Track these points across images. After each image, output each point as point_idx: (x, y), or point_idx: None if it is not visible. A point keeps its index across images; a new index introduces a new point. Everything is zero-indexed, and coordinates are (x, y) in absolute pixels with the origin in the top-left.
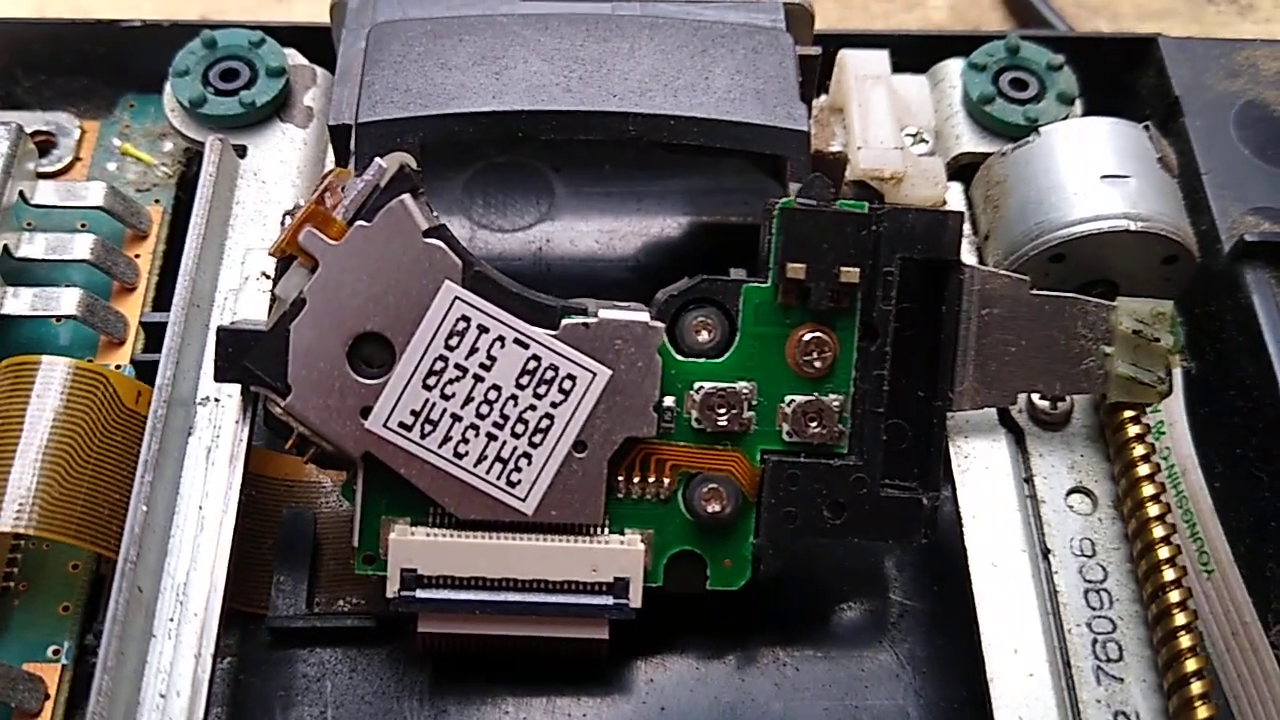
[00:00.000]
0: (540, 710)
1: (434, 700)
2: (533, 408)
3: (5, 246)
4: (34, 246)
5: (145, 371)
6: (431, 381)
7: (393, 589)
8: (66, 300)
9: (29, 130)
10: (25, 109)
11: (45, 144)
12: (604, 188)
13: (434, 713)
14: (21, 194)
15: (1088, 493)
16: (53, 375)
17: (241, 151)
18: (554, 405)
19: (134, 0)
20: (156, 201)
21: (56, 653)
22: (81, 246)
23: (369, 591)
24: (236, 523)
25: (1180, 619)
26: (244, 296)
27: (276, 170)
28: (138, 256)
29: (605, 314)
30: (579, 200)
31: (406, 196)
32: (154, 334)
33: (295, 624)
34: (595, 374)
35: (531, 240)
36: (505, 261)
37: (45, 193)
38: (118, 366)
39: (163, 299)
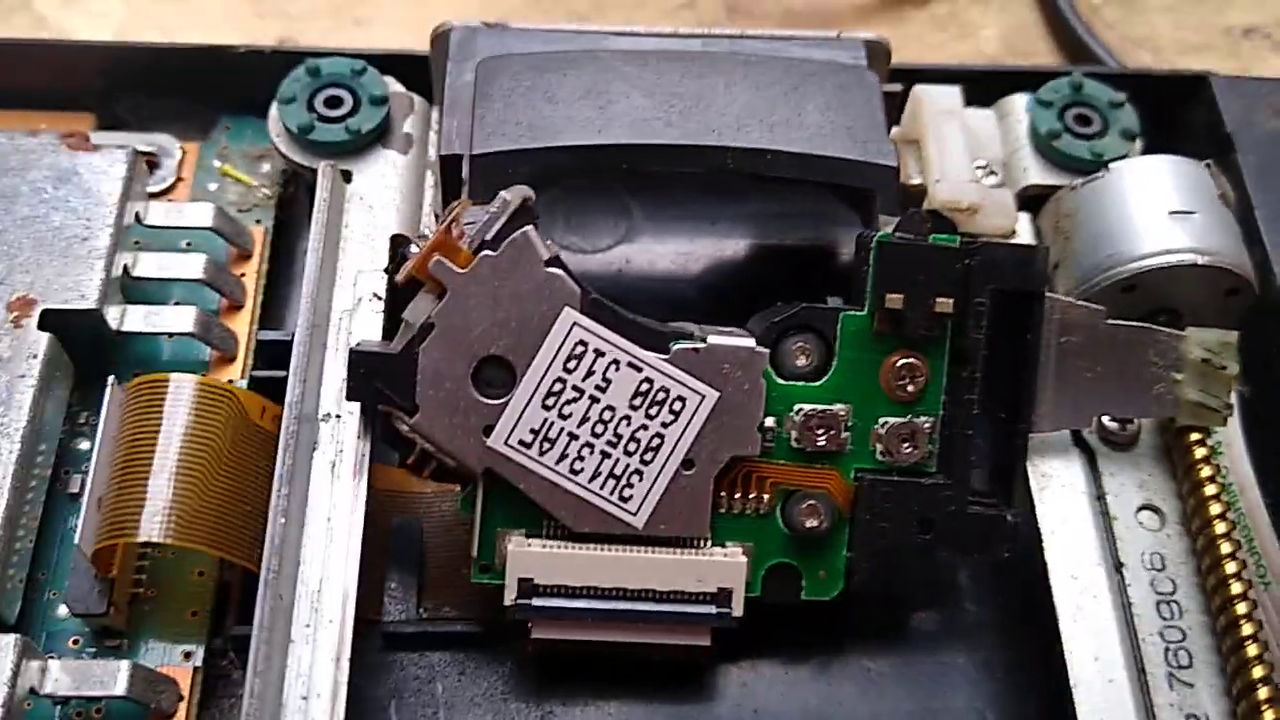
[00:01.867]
0: (641, 712)
1: (540, 701)
2: (644, 427)
3: (125, 266)
4: (146, 265)
5: (259, 387)
6: (550, 402)
7: (510, 597)
8: (182, 318)
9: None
10: (125, 129)
11: (150, 164)
12: (678, 211)
13: (541, 713)
14: (137, 215)
15: (1156, 509)
16: (182, 392)
17: (347, 177)
18: (664, 425)
19: (211, 22)
20: (258, 222)
21: (188, 656)
22: (194, 266)
23: (474, 598)
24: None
25: (1247, 629)
26: (358, 316)
27: (381, 195)
28: (243, 275)
29: (714, 340)
30: (655, 223)
31: (529, 228)
32: (266, 351)
33: (407, 629)
34: (704, 396)
35: (611, 261)
36: (586, 281)
37: (156, 213)
38: (230, 381)
39: (269, 316)
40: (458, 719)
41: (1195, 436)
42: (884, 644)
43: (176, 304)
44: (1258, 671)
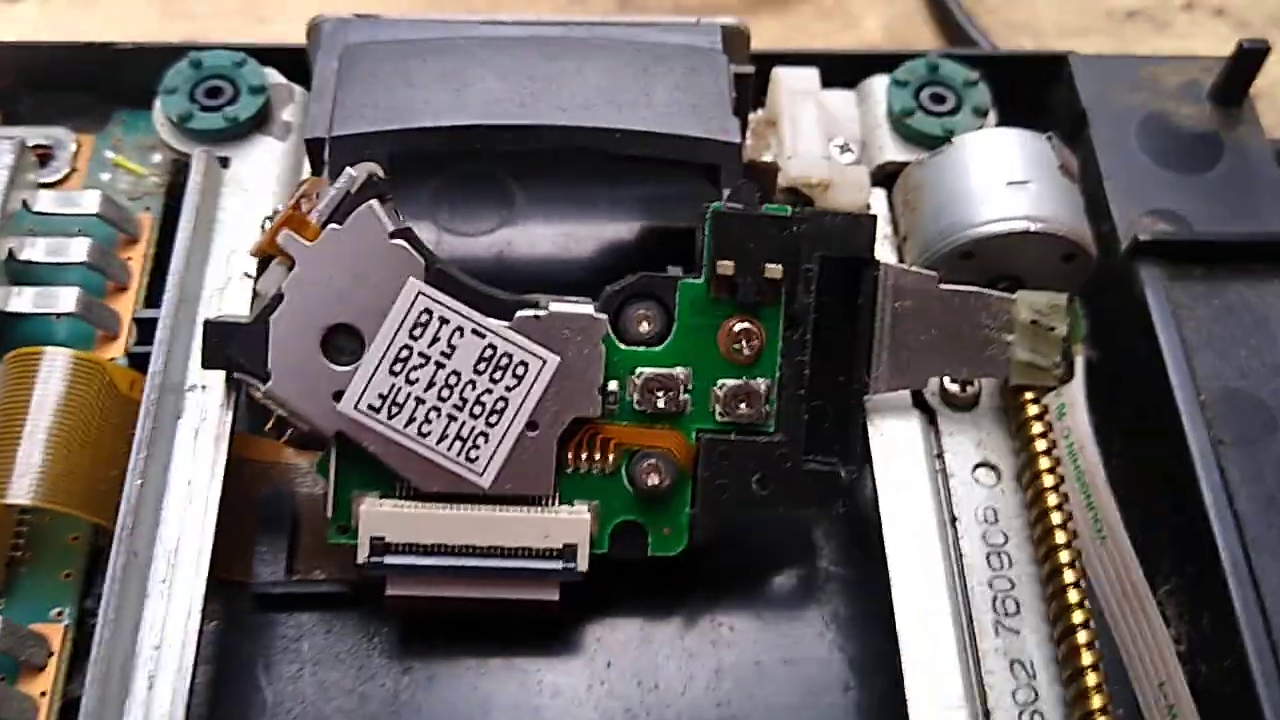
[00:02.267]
0: (500, 666)
1: (402, 657)
2: (489, 391)
3: (10, 250)
4: (35, 250)
5: (138, 362)
6: (397, 368)
7: (363, 555)
8: (66, 298)
9: (30, 144)
10: (25, 125)
11: (44, 156)
12: (561, 195)
13: (402, 668)
14: (24, 202)
15: (993, 467)
16: (55, 365)
17: (225, 162)
18: (508, 389)
19: (121, 23)
20: (147, 209)
21: (60, 615)
22: (79, 250)
23: (342, 562)
24: (221, 496)
25: (1069, 576)
26: (228, 294)
27: (257, 179)
28: (129, 259)
29: (555, 307)
30: (538, 207)
31: (374, 201)
32: (146, 329)
33: (276, 590)
34: (546, 361)
35: (494, 244)
36: (470, 263)
37: (45, 201)
38: (113, 359)
39: (153, 297)
40: (323, 674)
41: (1029, 396)
42: (735, 600)
43: (67, 286)
44: (1077, 616)
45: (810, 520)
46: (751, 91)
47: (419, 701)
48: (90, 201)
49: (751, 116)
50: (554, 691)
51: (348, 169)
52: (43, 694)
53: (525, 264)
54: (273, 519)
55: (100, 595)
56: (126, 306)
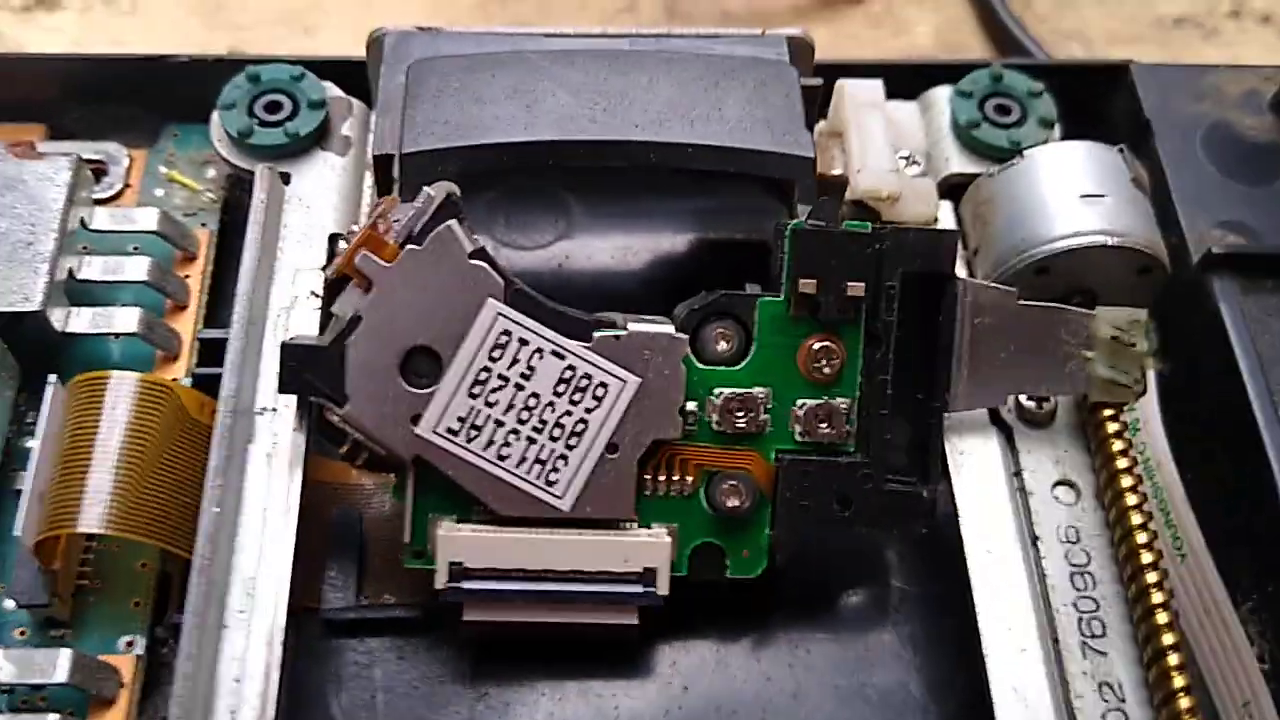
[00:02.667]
0: (574, 691)
1: (476, 683)
2: (569, 413)
3: (70, 270)
4: (92, 269)
5: (201, 384)
6: (476, 390)
7: (441, 581)
8: (126, 318)
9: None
10: (74, 139)
11: (97, 172)
12: (618, 208)
13: (476, 695)
14: (82, 220)
15: (1071, 485)
16: (122, 389)
17: (286, 179)
18: (588, 411)
19: (162, 33)
20: (203, 225)
21: (130, 645)
22: (139, 268)
23: (413, 585)
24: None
25: (1157, 597)
26: (295, 314)
27: (319, 195)
28: (187, 277)
29: (634, 327)
30: (595, 220)
31: (453, 222)
32: (208, 349)
33: (346, 615)
34: (626, 382)
35: (552, 257)
36: (528, 277)
37: (101, 218)
38: (174, 380)
39: (213, 317)
40: (395, 702)
41: (1108, 413)
42: (811, 621)
43: (126, 306)
44: (1167, 638)
45: (884, 540)
46: (818, 104)
47: None
48: (148, 219)
49: (815, 128)
50: (630, 716)
51: (426, 189)
52: None
53: (583, 278)
54: (341, 542)
55: (171, 623)
56: (186, 326)
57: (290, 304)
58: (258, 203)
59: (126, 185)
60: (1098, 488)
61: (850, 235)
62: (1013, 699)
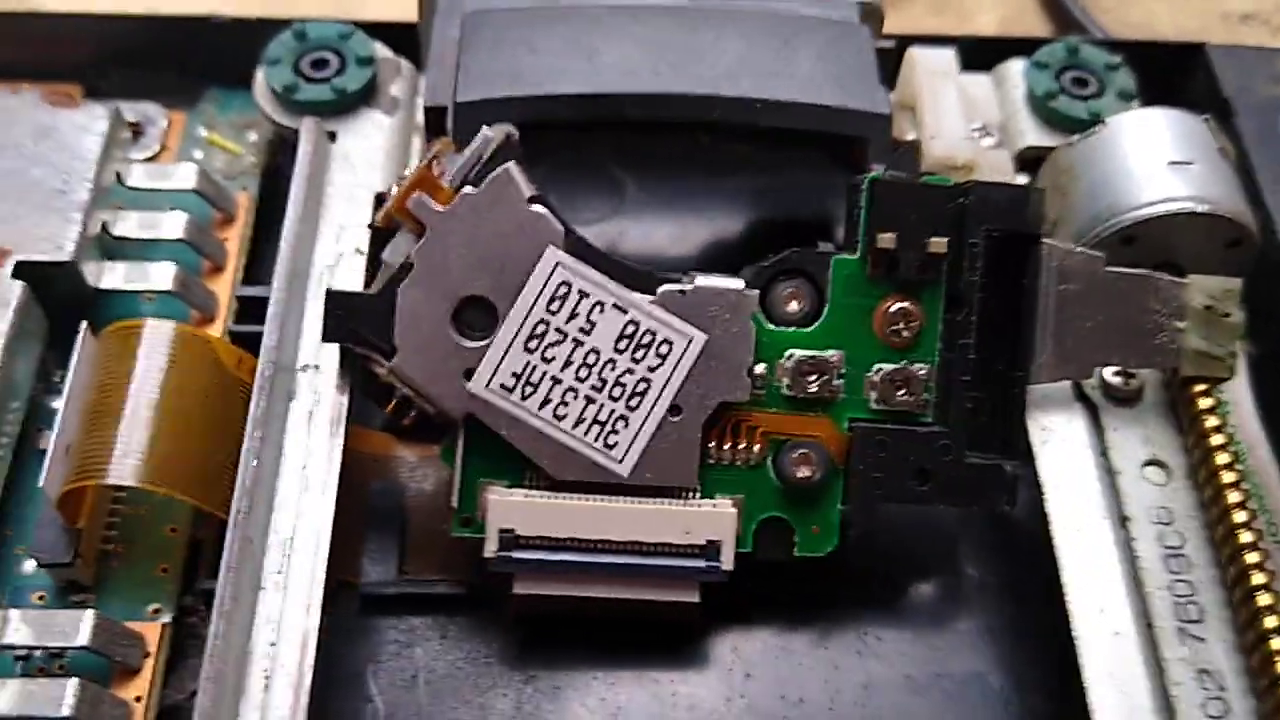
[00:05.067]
0: (629, 676)
1: (523, 666)
2: (630, 371)
3: (104, 224)
4: (128, 225)
5: (239, 342)
6: (533, 345)
7: (491, 549)
8: (162, 275)
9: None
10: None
11: (135, 132)
12: (674, 185)
13: (524, 678)
14: (118, 175)
15: (1162, 465)
16: (159, 337)
17: (332, 137)
18: (651, 369)
19: None
20: (244, 188)
21: (156, 612)
22: (175, 225)
23: (458, 563)
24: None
25: (1258, 579)
26: (339, 271)
27: (365, 154)
28: (226, 240)
29: (701, 281)
30: (649, 197)
31: (512, 164)
32: (248, 307)
33: (386, 590)
34: (691, 339)
35: (604, 234)
36: None
37: (138, 175)
38: None
39: (251, 280)
40: (437, 684)
41: (1200, 388)
42: (882, 607)
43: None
44: (1270, 622)
45: (957, 527)
46: (890, 69)
47: (544, 714)
48: (186, 176)
49: None
50: (689, 705)
51: (484, 129)
52: (138, 699)
53: (637, 256)
54: (382, 515)
55: (203, 591)
56: (223, 288)
57: (335, 262)
58: (303, 155)
59: (164, 147)
60: (1190, 467)
61: (932, 188)
62: (1108, 686)
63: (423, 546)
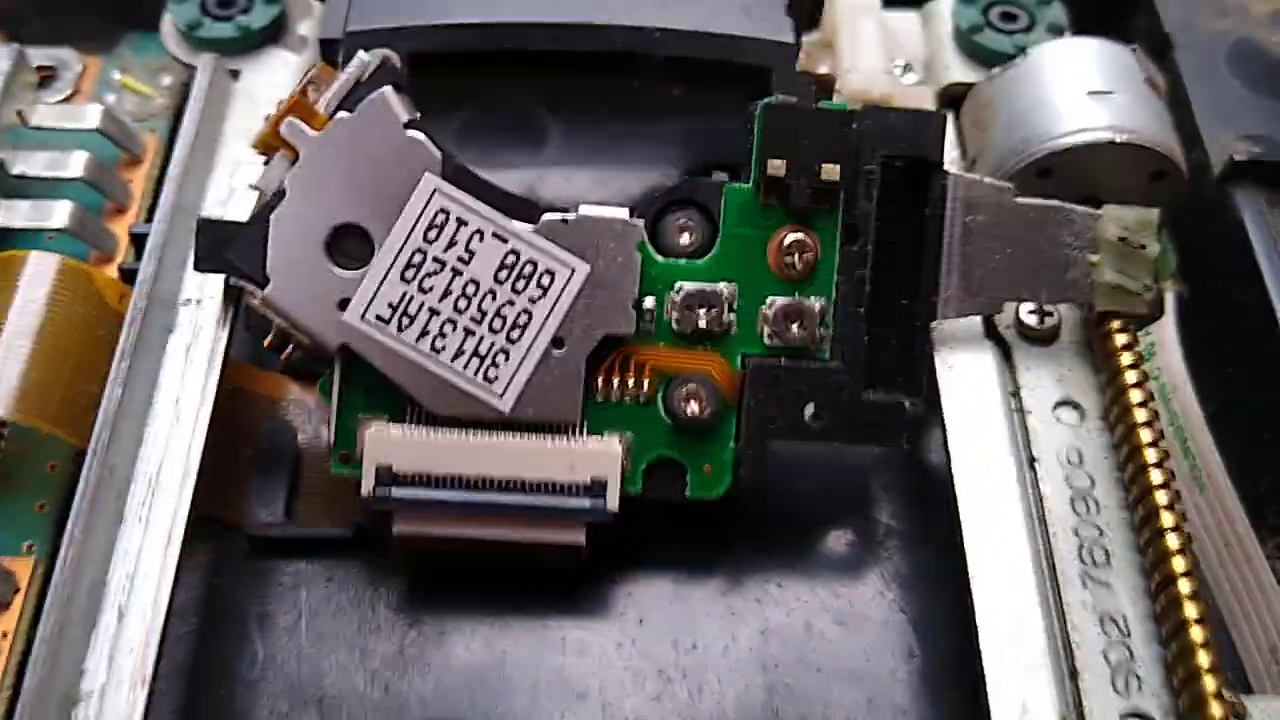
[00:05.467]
0: (518, 622)
1: (410, 610)
2: (511, 303)
3: (2, 162)
4: (30, 164)
5: (131, 279)
6: (410, 274)
7: (368, 486)
8: (59, 212)
9: (33, 65)
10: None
11: (46, 78)
12: (599, 129)
13: (409, 621)
14: (20, 114)
15: (1075, 405)
16: (41, 269)
17: (235, 75)
18: (532, 301)
19: None
20: (153, 131)
21: (30, 548)
22: (76, 164)
23: (346, 506)
24: (216, 426)
25: (1167, 519)
26: (231, 207)
27: (270, 94)
28: (131, 181)
29: (585, 210)
30: (573, 141)
31: (388, 88)
32: (140, 244)
33: (272, 533)
34: (574, 269)
35: (524, 179)
36: None
37: (42, 115)
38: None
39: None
40: (320, 628)
41: (1117, 324)
42: (786, 553)
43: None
44: (1178, 564)
45: (865, 465)
46: (806, 9)
47: (428, 658)
48: (91, 116)
49: (805, 39)
50: (579, 650)
51: (360, 53)
52: (3, 635)
53: (558, 204)
54: (272, 456)
55: None
56: (124, 228)
57: (226, 197)
58: (198, 90)
59: (76, 91)
60: (1104, 406)
61: (825, 113)
62: (999, 632)
63: (314, 490)
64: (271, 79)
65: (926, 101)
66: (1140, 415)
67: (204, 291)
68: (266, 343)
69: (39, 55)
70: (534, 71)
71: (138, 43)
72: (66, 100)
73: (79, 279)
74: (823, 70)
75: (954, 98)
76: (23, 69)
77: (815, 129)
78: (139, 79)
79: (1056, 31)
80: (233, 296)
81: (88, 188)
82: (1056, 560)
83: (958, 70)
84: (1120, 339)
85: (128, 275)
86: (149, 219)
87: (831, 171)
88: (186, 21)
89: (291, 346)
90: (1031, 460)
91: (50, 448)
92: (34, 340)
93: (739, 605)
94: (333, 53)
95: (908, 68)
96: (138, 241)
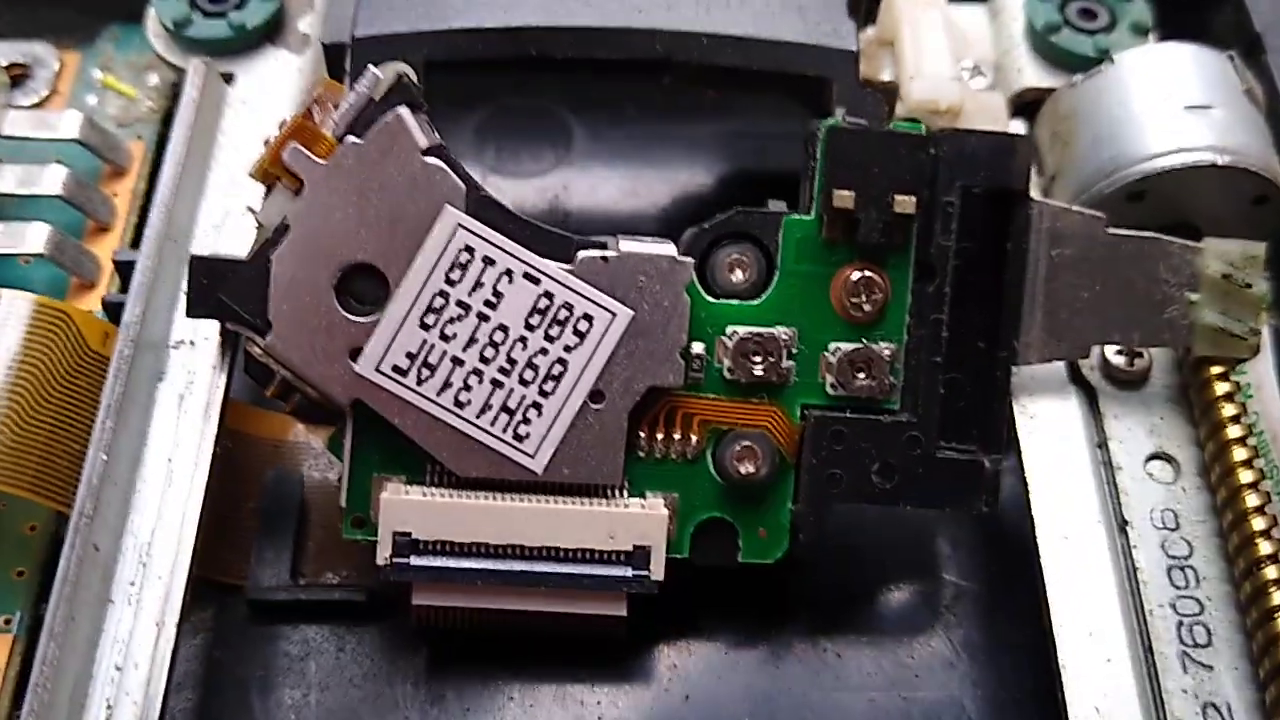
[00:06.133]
0: (549, 697)
1: (430, 685)
2: (544, 352)
3: None
4: (2, 180)
5: (117, 314)
6: (430, 320)
7: (384, 555)
8: (34, 236)
9: (3, 63)
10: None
11: (19, 76)
12: (627, 131)
13: (430, 698)
14: None
15: (1169, 459)
16: (13, 312)
17: (229, 79)
18: (568, 349)
19: None
20: (139, 137)
21: (8, 622)
22: (52, 180)
23: (361, 563)
24: (210, 479)
25: (1278, 598)
26: (227, 231)
27: (267, 100)
28: (115, 195)
29: (626, 246)
30: (600, 144)
31: (403, 109)
32: (127, 274)
33: (277, 596)
34: (615, 314)
35: (547, 187)
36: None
37: (15, 123)
38: (91, 312)
39: (140, 239)
40: (331, 704)
41: (1216, 370)
42: (844, 620)
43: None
44: None
45: (935, 526)
46: (864, 6)
47: None
48: (69, 124)
49: (861, 36)
50: None
51: (371, 69)
52: None
53: (584, 212)
54: (276, 508)
55: None
56: (108, 250)
57: (222, 220)
58: (187, 100)
59: (54, 92)
60: (1202, 463)
61: (898, 136)
62: None
63: (324, 548)
64: (269, 83)
65: (1000, 111)
66: (1245, 476)
67: (196, 333)
68: (268, 392)
69: (11, 50)
70: (554, 68)
71: (121, 37)
72: (43, 103)
73: (57, 322)
74: (885, 78)
75: (1027, 105)
76: None
77: (888, 155)
78: (122, 78)
79: (1141, 32)
80: (231, 338)
81: (66, 206)
82: (1153, 640)
83: (1032, 74)
84: (1221, 387)
85: (112, 309)
86: (135, 239)
87: (906, 204)
88: (173, 18)
89: (298, 396)
90: (1123, 524)
91: (26, 508)
92: (6, 396)
93: (794, 678)
94: (338, 59)
95: (976, 70)
96: (122, 270)
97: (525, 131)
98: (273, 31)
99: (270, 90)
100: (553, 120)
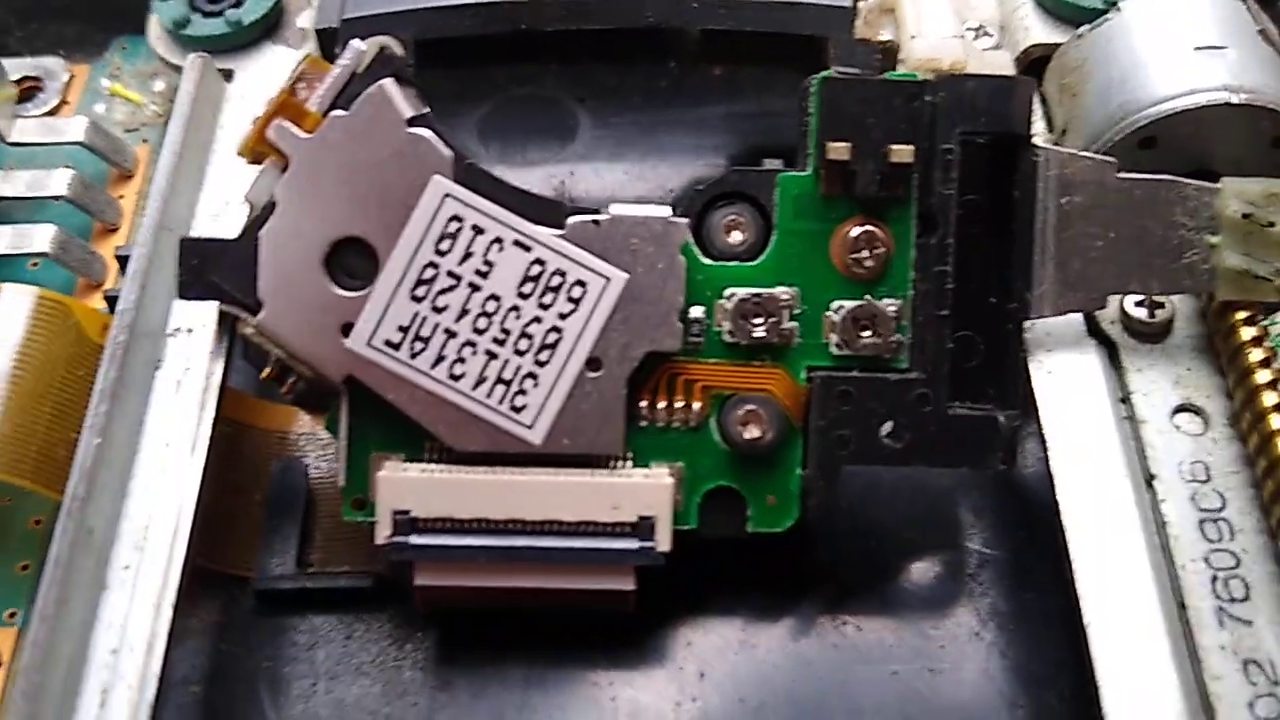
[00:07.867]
0: (561, 679)
1: (439, 669)
2: (538, 320)
3: None
4: (11, 185)
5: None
6: (421, 292)
7: (383, 534)
8: (40, 237)
9: (15, 77)
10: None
11: (31, 89)
12: (633, 117)
13: (439, 683)
14: None
15: (1197, 410)
16: (16, 305)
17: (228, 76)
18: (562, 316)
19: None
20: (145, 141)
21: (13, 616)
22: (59, 183)
23: (367, 552)
24: (208, 464)
25: None
26: (224, 222)
27: (265, 95)
28: (121, 197)
29: (618, 210)
30: (605, 131)
31: (388, 81)
32: (125, 267)
33: (283, 585)
34: (609, 279)
35: (553, 175)
36: None
37: (22, 130)
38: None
39: None
40: (340, 691)
41: (1241, 315)
42: (864, 591)
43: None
44: None
45: (957, 492)
46: None
47: None
48: (75, 129)
49: (861, 5)
50: (632, 711)
51: (354, 42)
52: None
53: (590, 199)
54: (282, 499)
55: None
56: (113, 251)
57: (219, 211)
58: (184, 95)
59: (63, 102)
60: (1232, 412)
61: (894, 85)
62: (1123, 683)
63: (329, 534)
64: (267, 80)
65: (1005, 68)
66: (1277, 422)
67: (193, 321)
68: (264, 375)
69: (23, 66)
70: (557, 55)
71: (128, 48)
72: (53, 112)
73: (57, 313)
74: (885, 36)
75: (1036, 62)
76: (1, 84)
77: (882, 104)
78: (130, 86)
79: None
80: (228, 323)
81: (72, 208)
82: (1186, 596)
83: (1039, 31)
84: (1247, 332)
85: (113, 301)
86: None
87: (903, 153)
88: (173, 19)
89: (294, 378)
90: (1150, 478)
91: (32, 502)
92: (7, 386)
93: (813, 653)
94: (329, 44)
95: (982, 30)
96: (124, 264)
97: (528, 120)
98: (271, 27)
99: (269, 85)
100: (557, 109)
